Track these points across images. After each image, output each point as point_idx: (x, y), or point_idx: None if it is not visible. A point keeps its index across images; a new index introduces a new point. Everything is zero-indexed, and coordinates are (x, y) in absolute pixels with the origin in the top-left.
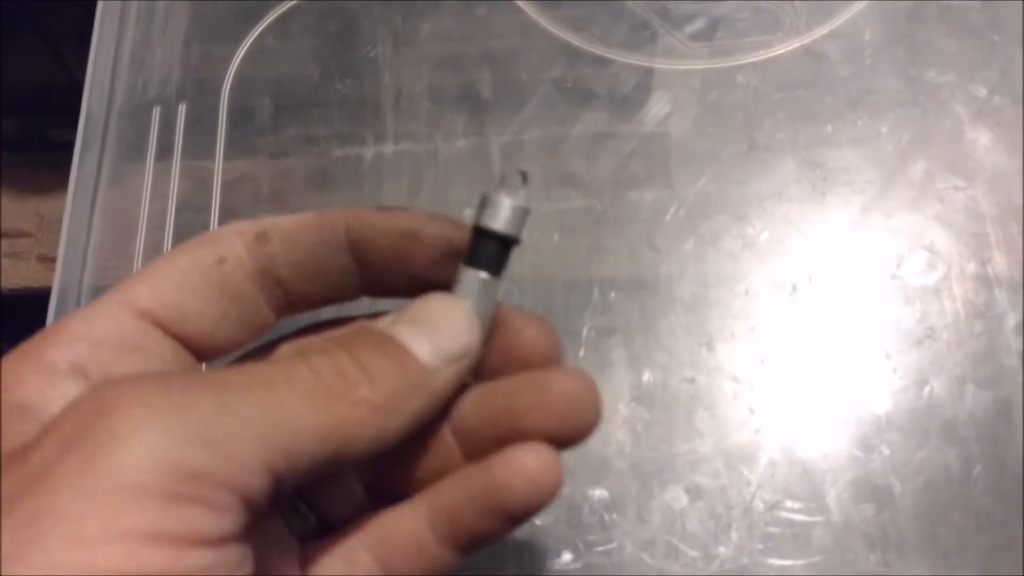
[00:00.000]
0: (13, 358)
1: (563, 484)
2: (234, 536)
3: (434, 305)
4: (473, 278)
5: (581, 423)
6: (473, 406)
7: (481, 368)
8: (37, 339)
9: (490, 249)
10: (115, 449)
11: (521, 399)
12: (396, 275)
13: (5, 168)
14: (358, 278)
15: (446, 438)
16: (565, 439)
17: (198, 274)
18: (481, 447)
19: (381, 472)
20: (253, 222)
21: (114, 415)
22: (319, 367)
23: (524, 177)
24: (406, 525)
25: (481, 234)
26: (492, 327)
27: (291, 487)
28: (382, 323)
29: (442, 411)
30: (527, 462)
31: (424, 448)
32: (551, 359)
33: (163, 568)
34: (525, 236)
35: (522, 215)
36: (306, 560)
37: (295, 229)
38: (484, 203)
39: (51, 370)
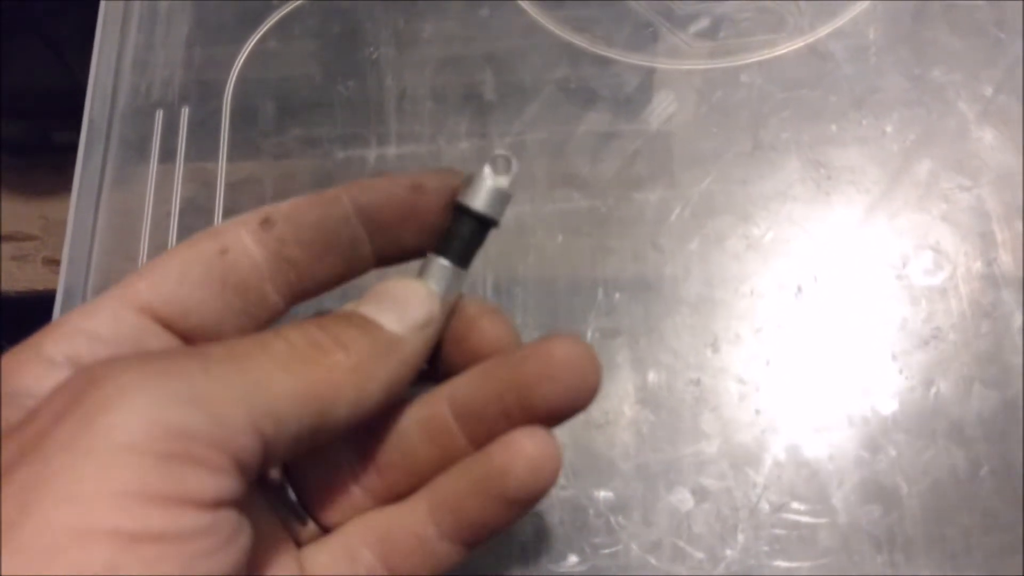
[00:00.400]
0: (13, 351)
1: (561, 467)
2: (229, 501)
3: (393, 283)
4: (436, 264)
5: (585, 387)
6: (474, 387)
7: (442, 357)
8: (37, 333)
9: (466, 228)
10: (105, 412)
11: (525, 370)
12: (408, 232)
13: (8, 171)
14: (369, 246)
15: (449, 428)
16: (570, 405)
17: (200, 267)
18: (487, 428)
19: (384, 472)
20: (253, 211)
21: (103, 383)
22: (293, 339)
23: (509, 163)
24: (407, 521)
25: (460, 211)
26: (453, 316)
27: (282, 455)
28: (347, 307)
29: (441, 401)
30: (526, 445)
31: (428, 441)
32: (508, 347)
33: (159, 527)
34: (505, 222)
35: (502, 198)
36: (306, 560)
37: (297, 209)
38: (467, 182)
39: (48, 361)
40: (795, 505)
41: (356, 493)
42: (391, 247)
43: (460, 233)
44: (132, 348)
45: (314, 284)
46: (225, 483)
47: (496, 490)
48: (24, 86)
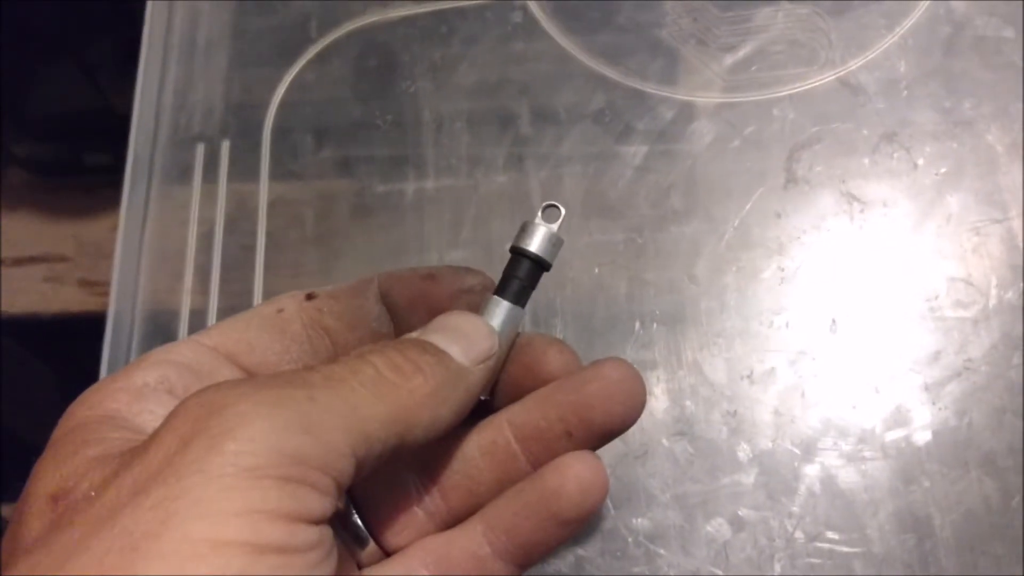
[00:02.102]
0: (103, 381)
1: (608, 487)
2: (329, 518)
3: (455, 318)
4: (495, 303)
5: (637, 403)
6: (535, 411)
7: (512, 385)
8: (123, 368)
9: (522, 270)
10: (232, 440)
11: (587, 391)
12: (420, 313)
13: (40, 192)
14: (391, 325)
15: (512, 451)
16: (625, 421)
17: (260, 319)
18: (549, 448)
19: (448, 496)
20: (303, 291)
21: (224, 412)
22: (378, 363)
23: (558, 210)
24: (464, 543)
25: (516, 254)
26: (516, 349)
27: (365, 474)
28: (414, 334)
29: (501, 426)
30: (576, 467)
31: (491, 464)
32: (572, 372)
33: (280, 541)
34: (556, 265)
35: (556, 242)
36: None
37: (337, 290)
38: (522, 229)
39: (140, 386)
40: (830, 535)
41: (419, 516)
42: (407, 326)
43: (516, 274)
44: (210, 377)
45: (345, 350)
46: (328, 502)
47: (549, 510)
48: (57, 108)
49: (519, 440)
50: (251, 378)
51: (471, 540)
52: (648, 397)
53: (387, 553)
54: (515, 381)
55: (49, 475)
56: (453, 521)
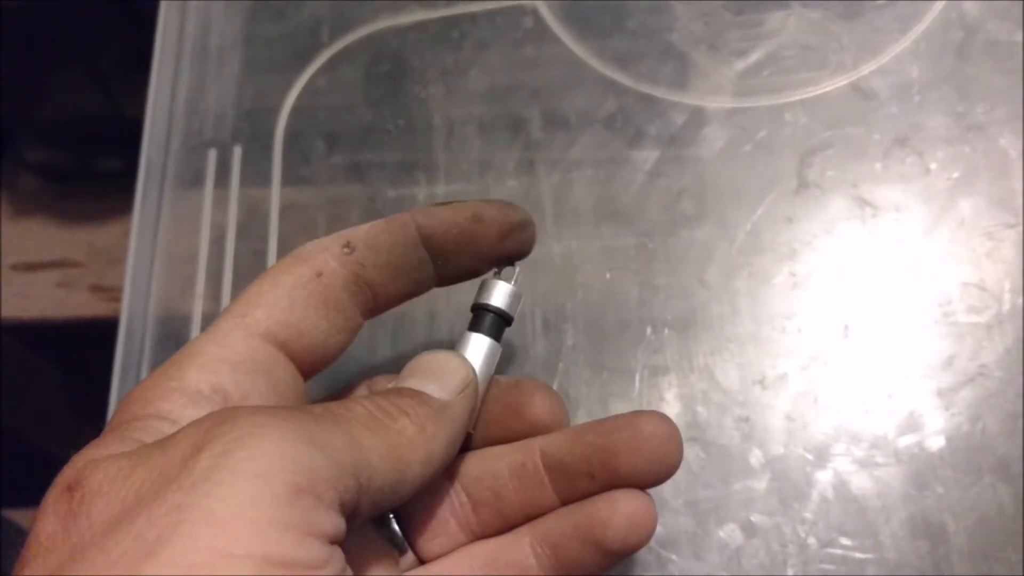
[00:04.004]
0: (155, 377)
1: (656, 527)
2: (338, 539)
3: (426, 358)
4: (466, 337)
5: (666, 462)
6: (565, 445)
7: (497, 425)
8: (176, 360)
9: (486, 321)
10: (244, 447)
11: (614, 438)
12: (467, 257)
13: (53, 198)
14: (431, 269)
15: (539, 477)
16: (653, 476)
17: (302, 291)
18: (572, 484)
19: (478, 510)
20: (332, 237)
21: (238, 421)
22: (367, 406)
23: (515, 269)
24: (511, 551)
25: (478, 309)
26: (504, 391)
27: (368, 509)
28: (390, 384)
29: (533, 452)
30: (627, 503)
31: (519, 486)
32: (557, 420)
33: (291, 554)
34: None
35: (515, 297)
36: None
37: (372, 235)
38: (481, 287)
39: (194, 391)
40: (843, 541)
41: (453, 526)
42: (451, 269)
43: (487, 308)
44: (265, 376)
45: (386, 302)
46: (337, 520)
47: (595, 538)
48: (68, 114)
49: (547, 468)
50: (263, 406)
51: (518, 550)
52: (660, 403)
53: (420, 560)
54: (500, 421)
55: (72, 466)
56: (482, 535)
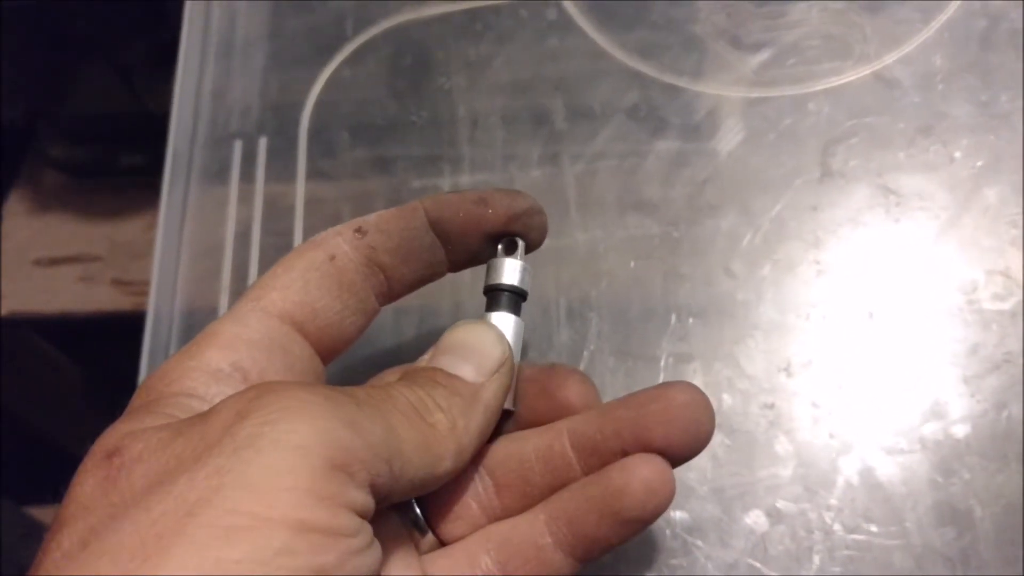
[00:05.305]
0: (176, 358)
1: (674, 493)
2: (367, 516)
3: (462, 331)
4: (489, 319)
5: (701, 431)
6: (594, 424)
7: (528, 408)
8: (196, 342)
9: (503, 300)
10: (287, 419)
11: (646, 411)
12: (475, 240)
13: (75, 194)
14: (443, 254)
15: (567, 458)
16: (688, 448)
17: (316, 273)
18: (603, 462)
19: (502, 494)
20: (346, 223)
21: (283, 394)
22: (408, 396)
23: (519, 243)
24: (526, 530)
25: (492, 290)
26: (537, 374)
27: (398, 497)
28: (425, 357)
29: (560, 434)
30: (643, 469)
31: (545, 469)
32: (588, 405)
33: (324, 521)
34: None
35: (525, 271)
36: (427, 564)
37: (384, 220)
38: (489, 268)
39: (215, 368)
40: (869, 527)
41: (474, 510)
42: (461, 253)
43: (502, 288)
44: (281, 354)
45: (400, 286)
46: (367, 499)
47: (612, 508)
48: (92, 110)
49: (575, 449)
50: (305, 382)
51: (533, 528)
52: None
53: (441, 542)
54: (532, 405)
55: (109, 436)
56: (504, 517)
